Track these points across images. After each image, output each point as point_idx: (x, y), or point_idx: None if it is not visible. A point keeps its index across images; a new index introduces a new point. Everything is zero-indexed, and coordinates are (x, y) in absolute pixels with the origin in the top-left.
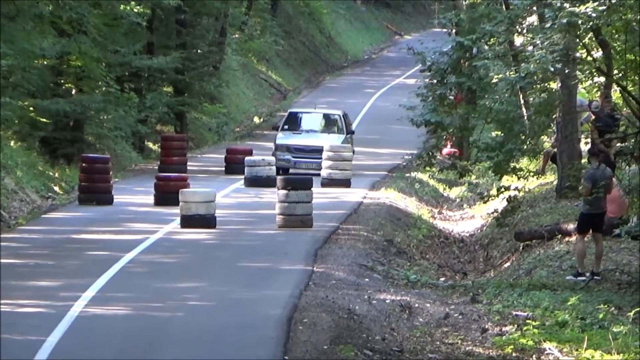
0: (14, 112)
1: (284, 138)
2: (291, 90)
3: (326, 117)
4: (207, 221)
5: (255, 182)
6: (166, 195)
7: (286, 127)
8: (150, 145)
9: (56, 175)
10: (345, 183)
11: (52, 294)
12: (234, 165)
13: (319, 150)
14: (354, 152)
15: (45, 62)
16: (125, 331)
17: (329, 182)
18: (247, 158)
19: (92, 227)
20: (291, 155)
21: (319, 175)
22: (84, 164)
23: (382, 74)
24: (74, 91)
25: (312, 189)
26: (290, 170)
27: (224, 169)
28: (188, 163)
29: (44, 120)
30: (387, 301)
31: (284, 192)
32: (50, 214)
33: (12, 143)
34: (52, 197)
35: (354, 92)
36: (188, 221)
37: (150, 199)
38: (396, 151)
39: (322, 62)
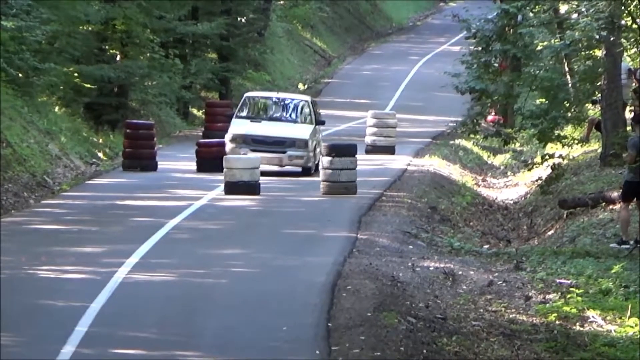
0: (59, 78)
1: (240, 126)
2: (335, 57)
3: (291, 103)
4: (251, 188)
5: None
6: (207, 162)
7: (242, 113)
8: (195, 111)
9: (100, 141)
10: (389, 150)
11: (95, 260)
12: None
13: (282, 142)
14: (321, 144)
15: (90, 28)
16: (168, 297)
17: (373, 149)
18: None
19: (136, 194)
20: (249, 147)
21: (280, 171)
22: (128, 130)
23: (426, 41)
24: (118, 57)
25: (356, 155)
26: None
27: None
28: None
29: (89, 86)
30: (431, 268)
31: (328, 158)
32: (94, 180)
33: (56, 109)
34: (96, 163)
35: (398, 59)
36: (232, 188)
37: (195, 166)
38: (440, 118)
39: (367, 29)
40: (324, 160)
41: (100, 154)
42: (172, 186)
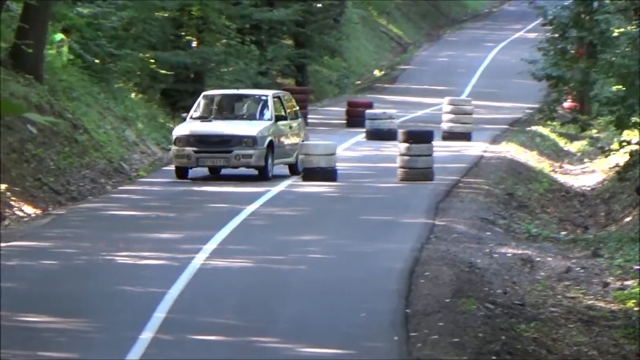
0: (135, 64)
1: (184, 126)
2: (411, 44)
3: (248, 99)
4: (328, 174)
5: (376, 135)
6: None
7: (196, 114)
8: None
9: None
10: (465, 136)
11: (173, 246)
12: (354, 118)
13: (227, 141)
14: (306, 139)
15: (165, 14)
16: (245, 284)
17: (449, 136)
18: (367, 111)
19: (212, 180)
20: (192, 149)
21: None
22: None
23: (502, 28)
24: (194, 43)
25: (432, 142)
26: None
27: (344, 121)
28: (309, 116)
29: (165, 72)
30: (508, 255)
31: (405, 145)
32: (170, 166)
33: (132, 95)
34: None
35: (473, 46)
36: (309, 174)
37: None
38: (516, 105)
39: (442, 16)
40: (401, 147)
41: None
42: (250, 172)
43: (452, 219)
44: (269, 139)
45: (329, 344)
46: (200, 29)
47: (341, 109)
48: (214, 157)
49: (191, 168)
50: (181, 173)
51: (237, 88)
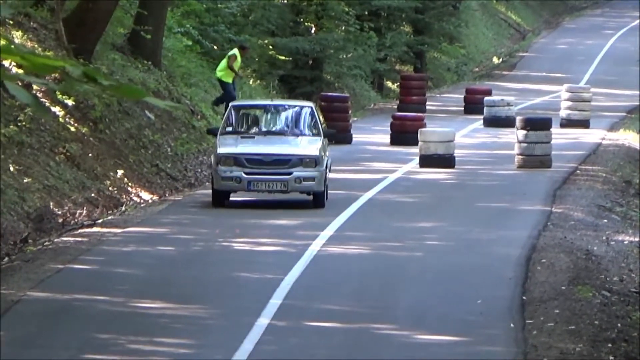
0: (254, 50)
1: (230, 145)
2: (530, 31)
3: (290, 112)
4: (446, 161)
5: (494, 122)
6: (402, 135)
7: (229, 128)
8: (389, 84)
9: None
10: (584, 124)
11: (290, 232)
12: (473, 105)
13: (285, 162)
14: (330, 165)
15: (285, 1)
16: (362, 270)
17: (567, 123)
18: (486, 98)
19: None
20: (243, 171)
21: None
22: (323, 103)
23: (622, 15)
24: (313, 29)
25: (551, 129)
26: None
27: (462, 108)
28: (427, 102)
29: (283, 58)
30: (625, 242)
31: (523, 132)
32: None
33: (251, 81)
34: None
35: (592, 33)
36: (427, 161)
37: (389, 139)
38: (635, 92)
39: (561, 3)
40: (519, 134)
41: None
42: (367, 159)
43: (569, 206)
44: (327, 159)
45: (446, 330)
46: (320, 15)
47: (459, 96)
48: (270, 181)
49: (231, 192)
50: (221, 199)
51: (271, 99)
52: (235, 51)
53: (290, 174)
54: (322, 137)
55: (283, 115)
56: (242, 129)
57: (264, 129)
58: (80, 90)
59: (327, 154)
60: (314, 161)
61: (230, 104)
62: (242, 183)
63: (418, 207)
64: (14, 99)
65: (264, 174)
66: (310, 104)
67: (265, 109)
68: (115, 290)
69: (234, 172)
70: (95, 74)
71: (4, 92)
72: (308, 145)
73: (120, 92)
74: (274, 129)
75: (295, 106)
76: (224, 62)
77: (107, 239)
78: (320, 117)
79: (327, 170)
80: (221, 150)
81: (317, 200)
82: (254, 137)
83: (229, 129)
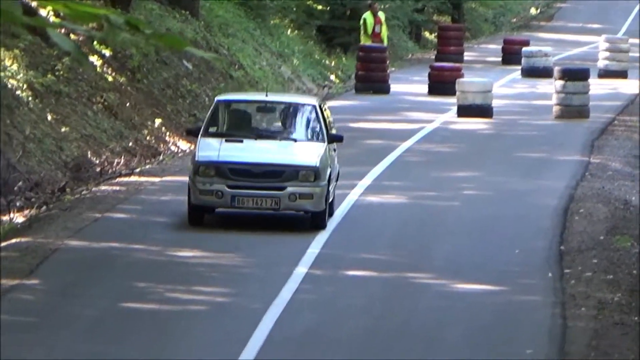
0: (292, 0)
1: (211, 150)
2: None
3: (287, 109)
4: (483, 111)
5: (532, 72)
6: (440, 85)
7: (213, 128)
8: (427, 35)
9: (332, 64)
10: (621, 74)
11: None
12: (510, 56)
13: (278, 174)
14: (338, 175)
15: None
16: (400, 220)
17: (605, 74)
18: (524, 49)
19: (368, 116)
20: (226, 183)
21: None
22: (361, 53)
23: None
24: None
25: (589, 80)
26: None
27: (500, 59)
28: (465, 53)
29: (321, 8)
30: None
31: (560, 82)
32: (326, 102)
33: (288, 32)
34: (328, 85)
35: None
36: (465, 111)
37: (426, 89)
38: None
39: None
40: (557, 85)
41: (332, 77)
42: (405, 109)
43: (607, 157)
44: (330, 170)
45: (483, 280)
46: None
47: (497, 47)
48: (258, 197)
49: (214, 209)
50: (199, 215)
51: (266, 93)
52: (365, 16)
53: (283, 188)
54: (327, 142)
55: (279, 114)
56: (229, 130)
57: (254, 131)
58: (121, 39)
59: (334, 163)
60: (313, 174)
61: (216, 99)
62: (224, 198)
63: (456, 157)
64: (52, 49)
65: (251, 188)
66: (314, 100)
67: (257, 105)
68: (152, 239)
69: (215, 185)
70: (138, 23)
71: (43, 42)
72: (307, 153)
73: (162, 41)
74: (266, 131)
75: (295, 103)
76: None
77: (144, 188)
78: (327, 117)
79: (333, 183)
80: (201, 156)
81: (316, 220)
82: (241, 141)
83: (213, 129)
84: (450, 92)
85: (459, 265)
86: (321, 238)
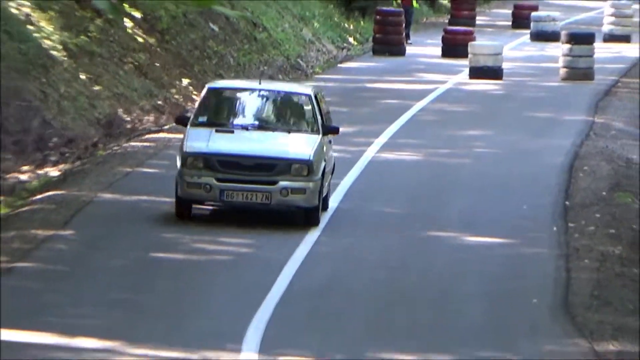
0: None
1: (200, 140)
2: None
3: (283, 99)
4: (494, 73)
5: (541, 36)
6: (453, 48)
7: (203, 118)
8: None
9: (351, 27)
10: (625, 39)
11: (346, 139)
12: (520, 20)
13: (269, 166)
14: (333, 169)
15: None
16: (414, 176)
17: (610, 38)
18: (533, 14)
19: (384, 77)
20: (215, 176)
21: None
22: (378, 17)
23: None
24: None
25: (594, 43)
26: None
27: (510, 23)
28: (477, 17)
29: None
30: None
31: (567, 46)
32: (345, 64)
33: None
34: (346, 47)
35: None
36: (476, 72)
37: (440, 51)
38: None
39: None
40: (564, 48)
41: (350, 39)
42: (419, 70)
43: (610, 117)
44: (323, 164)
45: (494, 233)
46: None
47: (507, 12)
48: (249, 191)
49: (202, 202)
50: (186, 209)
51: (260, 80)
52: None
53: (274, 183)
54: (322, 134)
55: (273, 103)
56: (219, 120)
57: (246, 122)
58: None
59: (329, 156)
60: (306, 167)
61: (207, 86)
62: (212, 192)
63: (467, 116)
64: (85, 10)
65: (241, 182)
66: (310, 90)
67: (250, 94)
68: None
69: (203, 178)
70: None
71: (76, 4)
72: (301, 145)
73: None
74: (259, 121)
75: (289, 92)
76: None
77: (172, 144)
78: (322, 107)
79: (328, 177)
80: (189, 147)
81: (309, 216)
82: (232, 132)
83: (203, 118)
84: (463, 54)
85: (471, 220)
86: (339, 193)
